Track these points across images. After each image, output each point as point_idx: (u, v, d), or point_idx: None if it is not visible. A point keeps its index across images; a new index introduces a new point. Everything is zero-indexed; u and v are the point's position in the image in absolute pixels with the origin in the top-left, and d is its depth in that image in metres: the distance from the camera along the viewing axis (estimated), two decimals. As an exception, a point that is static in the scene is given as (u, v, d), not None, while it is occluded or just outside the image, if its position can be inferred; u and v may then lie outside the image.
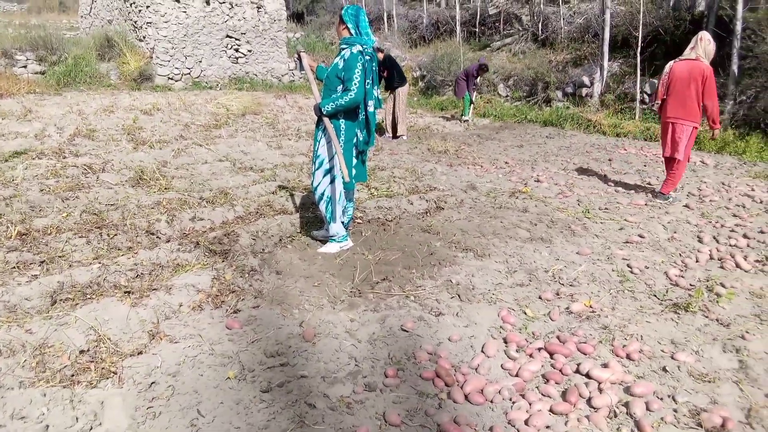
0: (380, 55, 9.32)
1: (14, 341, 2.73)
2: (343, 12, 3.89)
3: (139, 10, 13.91)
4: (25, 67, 12.92)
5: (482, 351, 2.90)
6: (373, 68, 3.86)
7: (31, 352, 2.68)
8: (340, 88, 3.81)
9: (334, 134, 3.82)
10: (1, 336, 2.77)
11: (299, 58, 4.17)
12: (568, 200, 5.81)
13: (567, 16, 15.35)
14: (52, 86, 12.21)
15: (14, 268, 3.62)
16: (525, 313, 3.33)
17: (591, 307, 3.40)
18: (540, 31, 15.56)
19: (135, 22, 14.20)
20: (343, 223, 4.19)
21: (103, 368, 2.59)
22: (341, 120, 3.88)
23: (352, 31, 3.84)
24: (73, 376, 2.54)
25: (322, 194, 4.05)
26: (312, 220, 4.82)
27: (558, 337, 3.05)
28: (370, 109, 3.94)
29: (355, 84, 3.70)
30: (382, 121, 9.93)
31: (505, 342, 3.01)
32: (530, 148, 8.81)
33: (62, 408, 2.33)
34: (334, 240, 4.14)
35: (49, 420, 2.25)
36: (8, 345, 2.70)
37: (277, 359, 2.74)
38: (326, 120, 3.84)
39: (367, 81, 3.80)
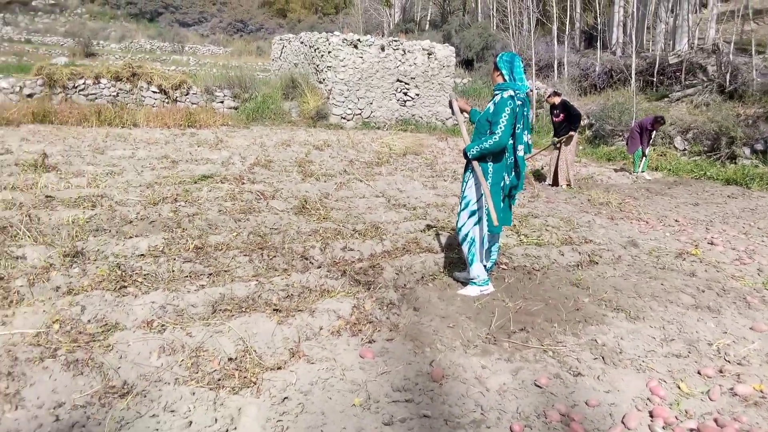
0: (556, 99, 9.18)
1: (176, 341, 3.07)
2: (498, 58, 3.93)
3: (321, 55, 15.21)
4: (222, 102, 14.71)
5: (622, 422, 2.66)
6: (525, 113, 3.84)
7: (189, 353, 2.98)
8: (489, 131, 3.83)
9: (482, 177, 3.83)
10: (167, 335, 3.13)
11: (450, 104, 4.29)
12: (746, 268, 5.17)
13: (761, 68, 13.89)
14: (242, 120, 13.73)
15: (187, 277, 4.08)
16: (679, 388, 3.00)
17: (762, 391, 2.97)
18: (728, 83, 14.25)
19: (317, 65, 15.54)
20: (485, 267, 4.14)
21: (245, 377, 2.80)
22: (489, 163, 3.89)
23: (506, 77, 3.86)
24: (219, 380, 2.78)
25: (466, 235, 4.05)
26: (455, 260, 4.83)
27: (716, 420, 2.70)
28: (520, 153, 3.89)
29: (501, 128, 3.70)
30: (543, 168, 9.68)
31: (651, 416, 2.73)
32: (707, 207, 8.02)
33: (206, 408, 2.55)
34: (474, 283, 4.10)
35: (193, 417, 2.49)
36: (171, 344, 3.04)
37: (403, 394, 2.76)
38: (474, 163, 3.88)
39: (517, 126, 3.78)
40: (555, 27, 20.36)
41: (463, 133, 4.08)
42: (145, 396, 2.62)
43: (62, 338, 3.03)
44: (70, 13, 46.50)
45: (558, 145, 9.11)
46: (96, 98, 13.26)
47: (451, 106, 4.29)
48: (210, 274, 4.16)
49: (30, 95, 12.50)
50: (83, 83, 13.22)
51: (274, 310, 3.54)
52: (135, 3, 47.76)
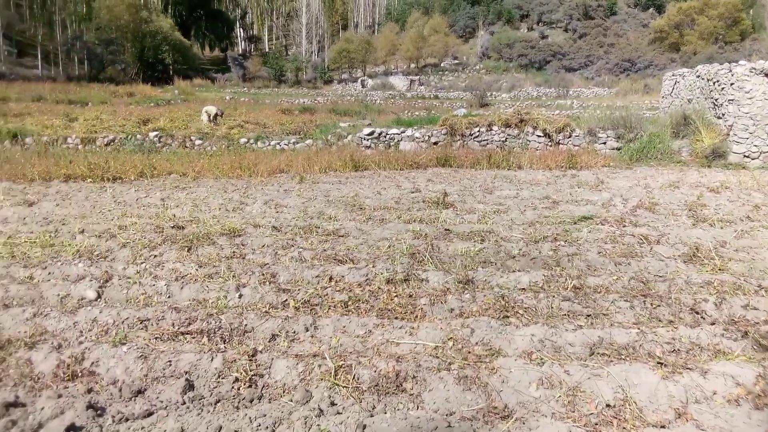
0: None
1: (554, 377, 3.13)
2: None
3: (722, 88, 13.56)
4: (604, 143, 14.49)
5: None
6: None
7: (566, 390, 3.01)
8: None
9: None
10: (545, 369, 3.22)
11: None
12: None
13: None
14: (624, 161, 13.25)
15: (565, 315, 4.13)
16: None
17: None
18: None
19: (715, 100, 13.92)
20: None
21: (624, 428, 2.68)
22: None
23: None
24: (596, 424, 2.72)
25: None
26: None
27: None
28: None
29: None
30: None
31: None
32: None
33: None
34: None
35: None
36: (549, 378, 3.12)
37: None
38: None
39: None
40: None
41: None
42: (523, 423, 2.75)
43: (455, 354, 3.43)
44: (470, 70, 52.79)
45: None
46: (487, 144, 14.70)
47: None
48: (588, 315, 4.12)
49: (435, 143, 14.67)
50: (477, 131, 14.83)
51: (657, 362, 3.29)
52: (525, 54, 51.29)
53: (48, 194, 8.49)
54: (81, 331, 3.86)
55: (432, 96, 40.53)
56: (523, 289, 4.67)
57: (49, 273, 4.93)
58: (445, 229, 6.60)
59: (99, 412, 2.87)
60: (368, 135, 15.28)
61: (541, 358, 3.38)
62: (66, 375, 3.33)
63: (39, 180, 9.65)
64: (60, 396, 3.05)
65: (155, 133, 15.97)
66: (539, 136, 14.66)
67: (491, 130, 14.82)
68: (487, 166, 12.36)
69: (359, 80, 50.59)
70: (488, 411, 2.88)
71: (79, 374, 3.35)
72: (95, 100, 25.34)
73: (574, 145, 14.40)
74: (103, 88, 30.45)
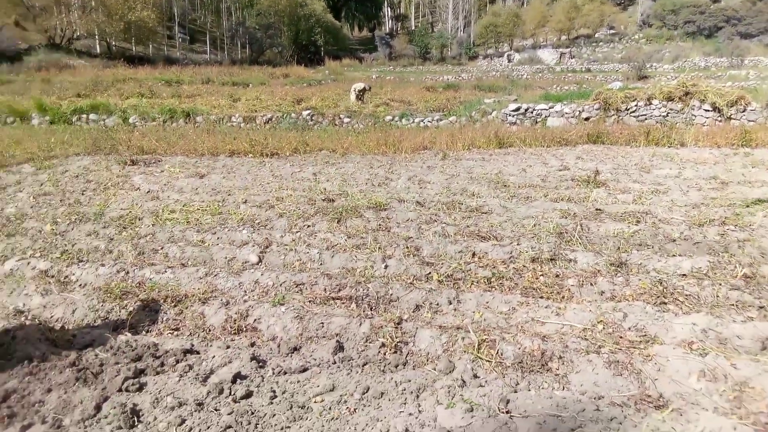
0: None
1: (718, 369, 2.88)
2: None
3: None
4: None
5: None
6: None
7: (732, 385, 2.75)
8: None
9: None
10: (708, 360, 2.97)
11: None
12: None
13: None
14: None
15: (732, 305, 3.76)
16: None
17: None
18: None
19: None
20: None
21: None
22: None
23: None
24: (767, 424, 2.46)
25: None
26: None
27: None
28: None
29: None
30: None
31: None
32: None
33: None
34: None
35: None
36: (712, 371, 2.87)
37: None
38: None
39: None
40: None
41: None
42: (680, 415, 2.57)
43: (605, 338, 3.28)
44: (628, 40, 49.04)
45: None
46: (645, 119, 13.63)
47: None
48: (761, 307, 3.71)
49: (587, 118, 13.89)
50: (635, 105, 13.79)
51: None
52: (693, 21, 46.53)
53: (216, 168, 9.35)
54: (245, 291, 4.25)
55: (584, 69, 38.35)
56: (684, 275, 4.31)
57: (218, 238, 5.45)
58: (596, 209, 6.27)
59: (261, 364, 3.15)
60: (514, 111, 14.87)
61: (704, 349, 3.11)
62: (233, 329, 3.69)
63: (208, 155, 10.64)
64: (228, 347, 3.39)
65: (308, 111, 16.87)
66: (707, 110, 13.29)
67: (650, 104, 13.71)
68: (644, 143, 11.48)
69: (505, 55, 49.20)
70: (641, 399, 2.72)
71: (244, 329, 3.70)
72: (255, 82, 27.29)
73: (749, 121, 12.87)
74: (262, 70, 32.68)
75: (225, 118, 16.27)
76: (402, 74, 36.51)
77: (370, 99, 19.39)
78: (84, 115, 16.34)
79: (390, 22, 71.00)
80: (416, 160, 10.03)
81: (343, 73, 35.45)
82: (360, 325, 3.55)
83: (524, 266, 4.51)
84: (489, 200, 6.73)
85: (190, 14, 50.36)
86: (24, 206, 6.66)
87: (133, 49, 40.17)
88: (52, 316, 3.95)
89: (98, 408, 2.72)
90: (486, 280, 4.28)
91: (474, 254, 4.82)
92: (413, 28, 65.22)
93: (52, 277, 4.56)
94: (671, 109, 13.54)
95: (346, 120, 16.34)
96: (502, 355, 3.18)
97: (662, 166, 9.09)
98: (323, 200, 6.80)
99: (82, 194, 7.26)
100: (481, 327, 3.54)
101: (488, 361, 3.12)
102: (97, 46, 38.47)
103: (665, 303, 3.77)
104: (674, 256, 4.69)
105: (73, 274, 4.58)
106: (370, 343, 3.39)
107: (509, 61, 46.64)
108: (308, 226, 5.77)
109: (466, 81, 30.40)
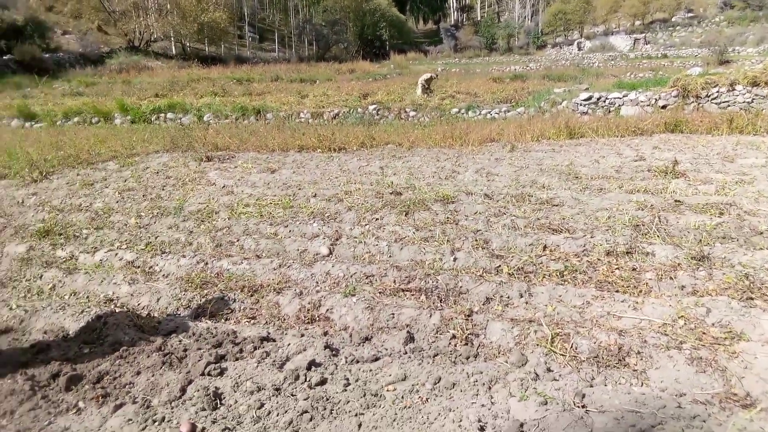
0: None
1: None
2: None
3: None
4: None
5: None
6: None
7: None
8: None
9: None
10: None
11: None
12: None
13: None
14: None
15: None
16: None
17: None
18: None
19: None
20: None
21: None
22: None
23: None
24: None
25: None
26: None
27: None
28: None
29: None
30: None
31: None
32: None
33: None
34: None
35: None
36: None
37: None
38: None
39: None
40: None
41: None
42: (771, 415, 2.44)
43: (687, 334, 3.15)
44: (707, 23, 46.48)
45: None
46: (728, 106, 12.90)
47: None
48: None
49: (663, 106, 13.28)
50: (716, 91, 13.07)
51: None
52: (780, 0, 43.55)
53: (286, 163, 9.59)
54: (317, 282, 4.35)
55: (659, 55, 36.66)
56: (774, 269, 4.07)
57: (290, 230, 5.61)
58: (675, 201, 6.00)
59: (334, 352, 3.23)
60: (585, 100, 14.43)
61: (797, 348, 2.94)
62: (306, 318, 3.80)
63: (278, 150, 10.92)
64: (302, 335, 3.50)
65: (374, 106, 17.00)
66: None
67: (733, 90, 12.95)
68: (727, 131, 10.86)
69: (575, 43, 47.69)
70: (726, 397, 2.60)
71: (317, 318, 3.80)
72: (322, 78, 27.74)
73: None
74: (328, 67, 33.16)
75: (294, 114, 16.65)
76: (467, 66, 36.11)
77: (436, 91, 19.30)
78: (162, 114, 17.15)
79: (455, 13, 70.28)
80: (483, 153, 9.92)
81: (408, 66, 35.44)
82: (430, 316, 3.57)
83: (598, 259, 4.39)
84: (560, 192, 6.57)
85: (259, 13, 51.72)
86: (110, 201, 7.07)
87: (206, 49, 41.69)
88: (138, 304, 4.19)
89: (183, 390, 2.87)
90: (558, 274, 4.19)
91: (545, 247, 4.73)
92: (479, 18, 64.28)
93: (138, 267, 4.84)
94: (757, 95, 12.74)
95: (411, 113, 16.35)
96: (576, 349, 3.12)
97: (747, 155, 8.58)
98: (391, 193, 6.85)
99: (163, 189, 7.63)
100: (554, 320, 3.48)
101: (562, 354, 3.07)
102: (173, 48, 40.18)
103: (752, 298, 3.58)
104: (761, 249, 4.43)
105: (157, 265, 4.83)
106: (440, 334, 3.41)
107: (579, 49, 45.19)
108: (376, 219, 5.83)
109: (534, 71, 29.70)
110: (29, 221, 6.19)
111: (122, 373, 3.11)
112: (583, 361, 3.02)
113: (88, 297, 4.32)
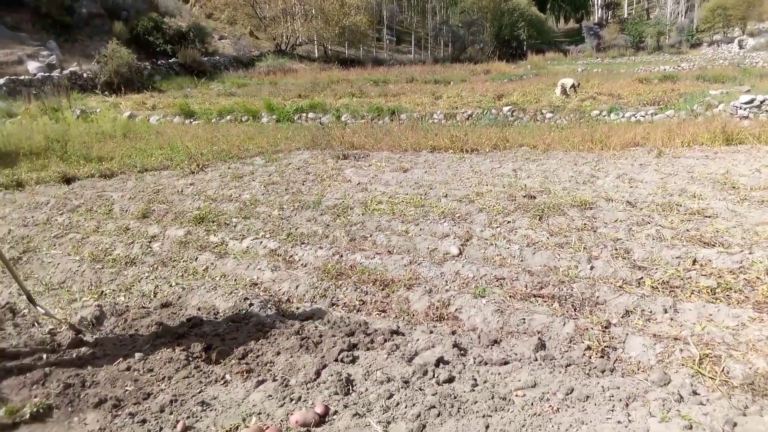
0: None
1: None
2: None
3: None
4: None
5: None
6: None
7: None
8: None
9: None
10: None
11: None
12: None
13: None
14: None
15: None
16: None
17: None
18: None
19: None
20: None
21: None
22: None
23: None
24: None
25: None
26: None
27: None
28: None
29: None
30: None
31: None
32: None
33: None
34: None
35: None
36: None
37: None
38: None
39: None
40: None
41: None
42: None
43: None
44: None
45: None
46: None
47: None
48: None
49: None
50: None
51: None
52: None
53: (418, 162, 9.72)
54: (446, 281, 4.38)
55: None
56: None
57: (420, 229, 5.68)
58: None
59: (462, 351, 3.24)
60: (746, 103, 13.10)
61: None
62: (435, 315, 3.84)
63: (410, 150, 11.09)
64: (431, 332, 3.54)
65: (508, 107, 16.68)
66: None
67: None
68: None
69: (736, 41, 43.35)
70: None
71: (445, 317, 3.82)
72: (456, 79, 27.70)
73: None
74: (463, 68, 33.03)
75: (427, 115, 16.81)
76: (611, 66, 34.18)
77: (576, 93, 18.52)
78: (304, 114, 18.12)
79: (599, 11, 66.81)
80: (626, 158, 9.36)
81: (545, 67, 34.28)
82: (563, 325, 3.45)
83: (758, 278, 3.98)
84: (713, 203, 6.03)
85: (398, 16, 52.79)
86: (257, 193, 7.62)
87: (346, 52, 43.35)
88: (279, 290, 4.48)
89: (318, 374, 3.03)
90: (709, 290, 3.86)
91: (695, 261, 4.37)
92: (626, 16, 60.61)
93: (280, 255, 5.17)
94: None
95: (548, 115, 15.83)
96: (728, 373, 2.86)
97: None
98: (524, 197, 6.70)
99: (303, 184, 8.07)
100: (702, 340, 3.21)
101: (711, 378, 2.83)
102: (315, 51, 42.26)
103: None
104: None
105: (297, 254, 5.13)
106: (574, 344, 3.28)
107: (741, 47, 40.99)
108: (508, 222, 5.73)
109: (686, 71, 27.43)
110: (187, 208, 6.84)
111: (264, 352, 3.35)
112: (736, 387, 2.76)
113: (235, 280, 4.69)
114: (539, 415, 2.54)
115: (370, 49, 45.89)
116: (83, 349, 3.49)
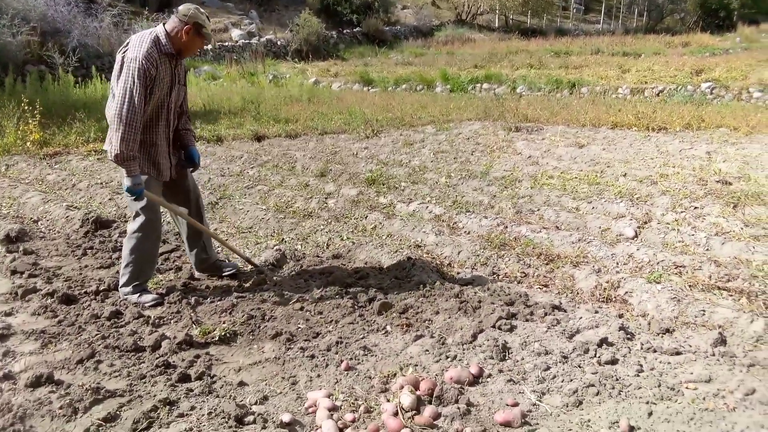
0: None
1: None
2: None
3: None
4: None
5: None
6: None
7: None
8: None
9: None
10: None
11: None
12: None
13: None
14: None
15: None
16: None
17: None
18: None
19: None
20: None
21: None
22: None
23: None
24: None
25: None
26: None
27: None
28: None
29: None
30: None
31: None
32: None
33: None
34: None
35: None
36: None
37: None
38: None
39: None
40: None
41: None
42: None
43: None
44: None
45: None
46: None
47: None
48: None
49: None
50: None
51: None
52: None
53: (596, 139, 9.17)
54: (617, 263, 4.14)
55: None
56: None
57: (593, 207, 5.41)
58: None
59: (629, 336, 3.07)
60: None
61: None
62: (601, 296, 3.67)
63: (589, 126, 10.49)
64: (596, 312, 3.40)
65: (708, 84, 14.97)
66: None
67: None
68: None
69: None
70: None
71: (613, 299, 3.64)
72: (648, 51, 25.37)
73: None
74: (657, 39, 30.11)
75: (611, 89, 15.71)
76: None
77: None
78: (478, 85, 17.93)
79: (838, -27, 56.29)
80: None
81: (759, 40, 29.95)
82: (751, 322, 3.10)
83: None
84: None
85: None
86: (425, 160, 7.77)
87: (528, 21, 41.72)
88: (441, 254, 4.57)
89: (474, 337, 3.07)
90: None
91: None
92: None
93: (444, 221, 5.26)
94: None
95: (756, 94, 13.92)
96: None
97: None
98: (717, 182, 6.04)
99: (471, 154, 8.06)
100: None
101: None
102: (496, 21, 41.28)
103: None
104: None
105: (461, 222, 5.18)
106: (761, 344, 2.94)
107: None
108: (695, 207, 5.22)
109: None
110: (360, 170, 7.21)
111: (423, 310, 3.47)
112: None
113: (400, 240, 4.88)
114: (711, 410, 2.33)
115: (554, 19, 43.70)
116: (264, 287, 3.90)
